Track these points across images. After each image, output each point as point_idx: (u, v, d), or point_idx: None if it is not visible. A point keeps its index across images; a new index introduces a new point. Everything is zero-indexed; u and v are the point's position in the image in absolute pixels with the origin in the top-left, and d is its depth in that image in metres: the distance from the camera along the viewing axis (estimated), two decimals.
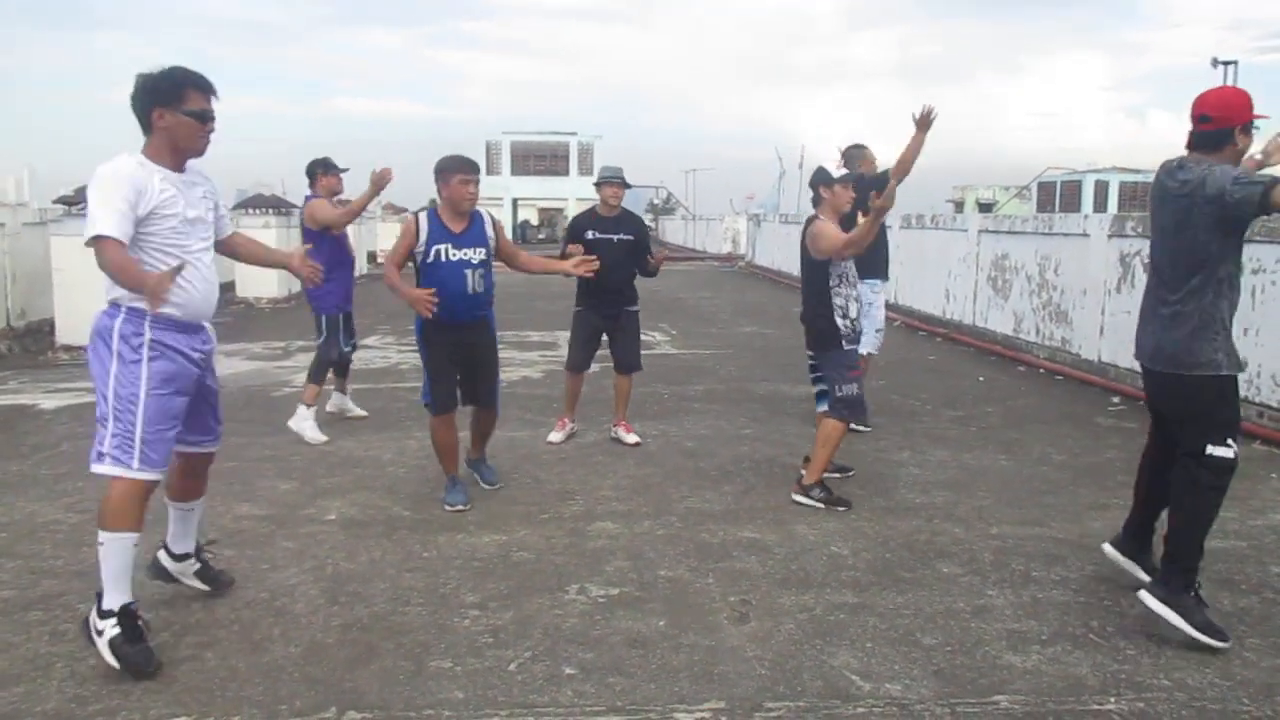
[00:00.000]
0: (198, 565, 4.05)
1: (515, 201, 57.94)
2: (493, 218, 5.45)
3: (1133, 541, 4.22)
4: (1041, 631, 3.81)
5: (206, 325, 3.75)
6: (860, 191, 5.93)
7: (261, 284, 16.63)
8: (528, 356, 11.00)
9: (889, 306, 14.85)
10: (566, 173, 56.91)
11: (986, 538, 4.90)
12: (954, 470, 6.17)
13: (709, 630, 3.80)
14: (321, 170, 7.12)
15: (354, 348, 7.44)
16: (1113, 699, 3.30)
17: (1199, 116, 3.71)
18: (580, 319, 6.77)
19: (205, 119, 3.48)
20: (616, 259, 6.43)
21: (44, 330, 11.46)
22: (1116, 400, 8.21)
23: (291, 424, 6.83)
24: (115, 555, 3.47)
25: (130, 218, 3.31)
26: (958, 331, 12.52)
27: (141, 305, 3.37)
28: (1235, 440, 3.79)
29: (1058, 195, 48.81)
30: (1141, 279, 8.61)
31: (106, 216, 3.26)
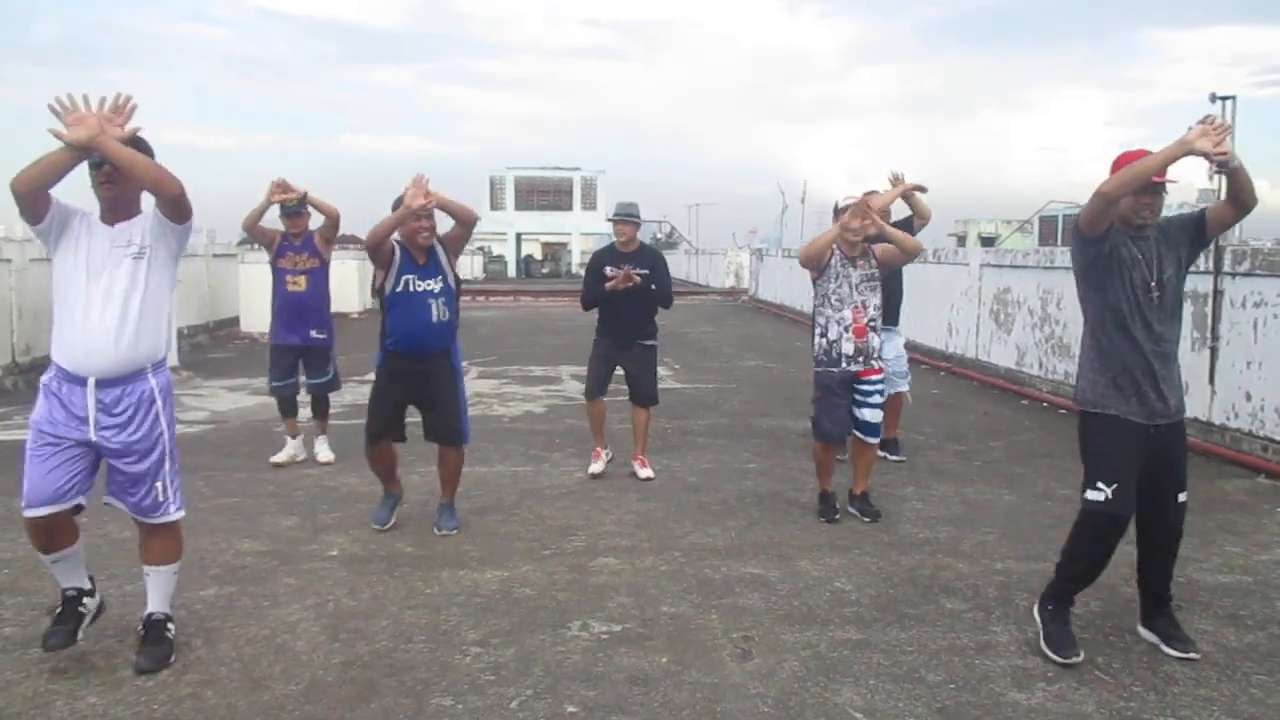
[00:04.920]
0: None
1: (519, 236, 58.24)
2: (444, 241, 5.46)
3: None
4: (1047, 668, 3.78)
5: (90, 382, 3.60)
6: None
7: (264, 320, 16.68)
8: (530, 391, 11.01)
9: None
10: (570, 208, 57.24)
11: (991, 573, 4.88)
12: (958, 505, 6.15)
13: (712, 667, 3.78)
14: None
15: (316, 385, 7.31)
16: None
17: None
18: (595, 347, 6.93)
19: (96, 164, 3.56)
20: (633, 293, 6.59)
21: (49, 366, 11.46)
22: None
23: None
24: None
25: (59, 212, 3.57)
26: (960, 365, 12.52)
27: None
28: None
29: (1060, 229, 48.93)
30: None
31: None
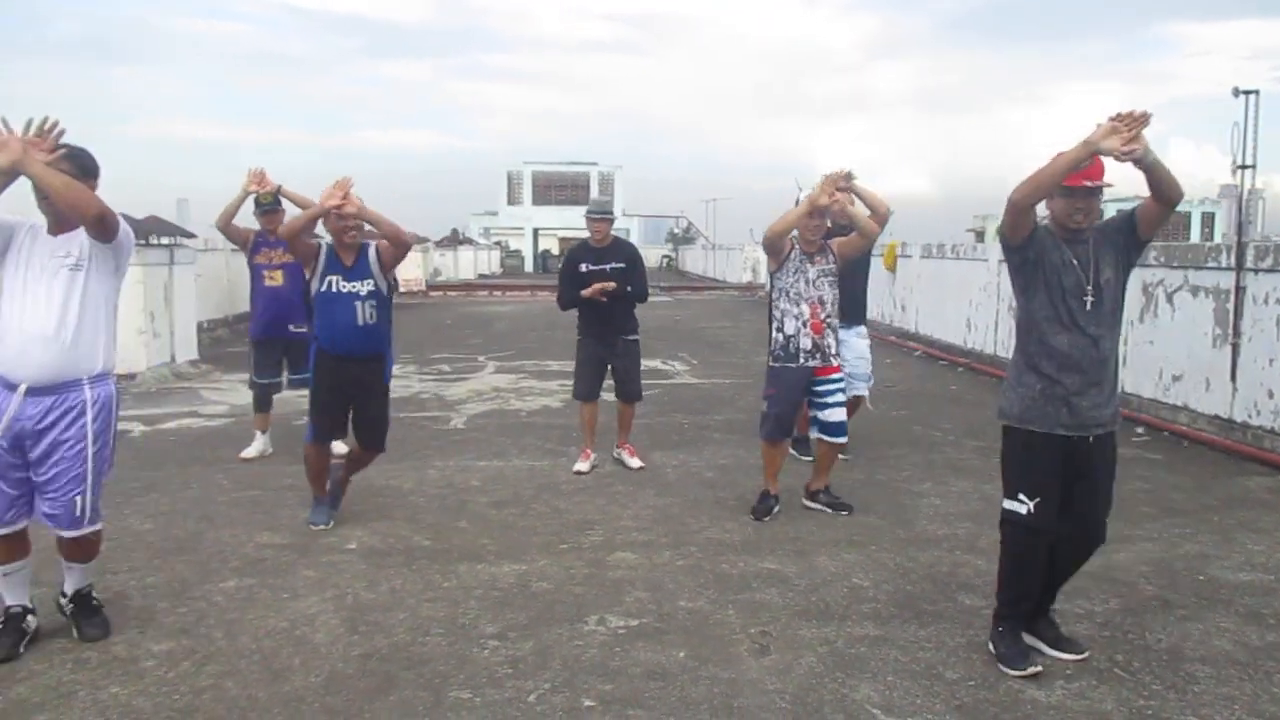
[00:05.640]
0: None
1: (536, 231, 58.29)
2: (378, 247, 5.36)
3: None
4: (1066, 666, 3.76)
5: (20, 389, 3.62)
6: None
7: None
8: (547, 386, 11.03)
9: (909, 336, 14.86)
10: (587, 202, 57.11)
11: None
12: (976, 501, 6.13)
13: (729, 662, 3.78)
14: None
15: (303, 381, 6.95)
16: None
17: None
18: (581, 348, 6.92)
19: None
20: (611, 293, 6.59)
21: None
22: (1140, 431, 8.13)
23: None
24: None
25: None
26: (979, 361, 12.46)
27: None
28: None
29: None
30: (1164, 308, 8.58)
31: None
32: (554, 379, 11.54)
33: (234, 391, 10.50)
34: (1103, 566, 4.87)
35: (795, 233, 5.65)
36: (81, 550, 3.93)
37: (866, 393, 7.19)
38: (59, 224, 3.71)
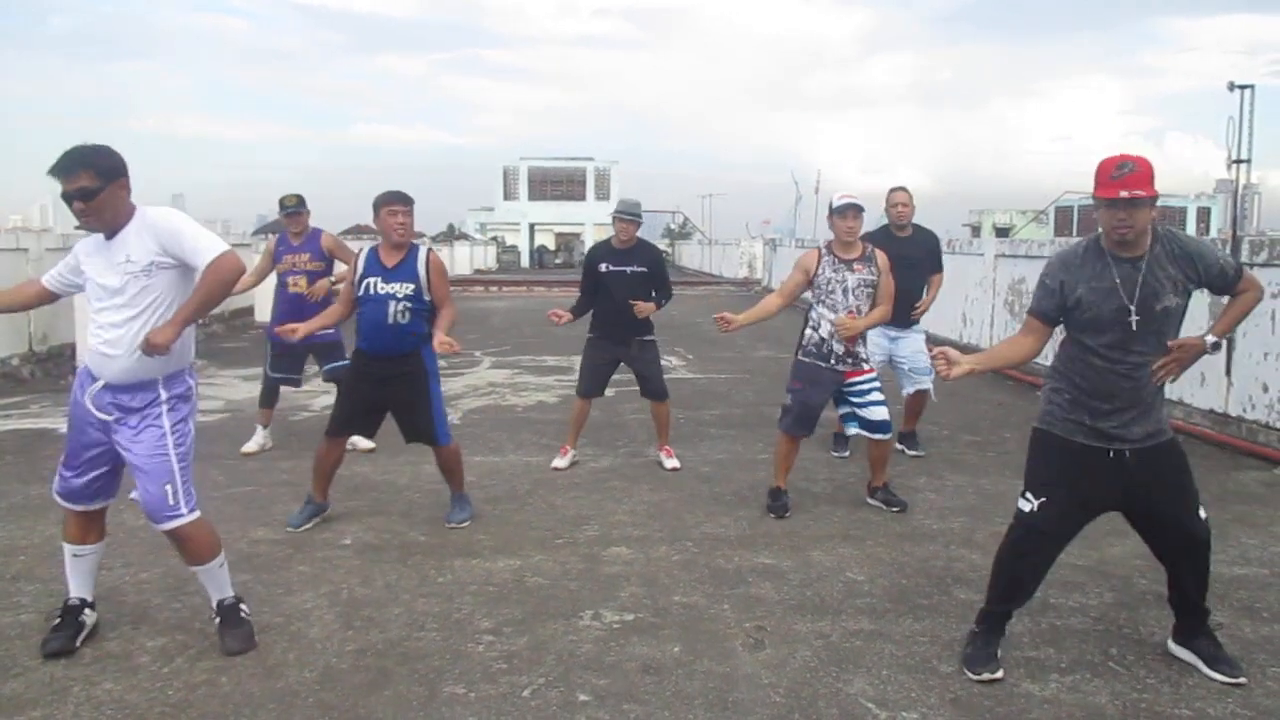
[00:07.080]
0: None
1: (532, 227, 58.31)
2: (430, 258, 5.28)
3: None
4: (1060, 659, 3.77)
5: (99, 385, 3.69)
6: (892, 247, 6.07)
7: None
8: (543, 381, 11.02)
9: None
10: (583, 198, 57.27)
11: None
12: (971, 496, 6.14)
13: (724, 657, 3.78)
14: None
15: (334, 369, 7.09)
16: None
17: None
18: (592, 346, 6.83)
19: (66, 200, 3.57)
20: (630, 291, 6.54)
21: (65, 355, 11.56)
22: None
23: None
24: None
25: (65, 274, 3.86)
26: None
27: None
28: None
29: (1075, 219, 48.64)
30: None
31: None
32: (550, 374, 11.54)
33: (229, 387, 10.48)
34: (1097, 560, 4.88)
35: (824, 241, 5.75)
36: (189, 545, 3.81)
37: (930, 386, 7.19)
38: (110, 229, 3.66)
